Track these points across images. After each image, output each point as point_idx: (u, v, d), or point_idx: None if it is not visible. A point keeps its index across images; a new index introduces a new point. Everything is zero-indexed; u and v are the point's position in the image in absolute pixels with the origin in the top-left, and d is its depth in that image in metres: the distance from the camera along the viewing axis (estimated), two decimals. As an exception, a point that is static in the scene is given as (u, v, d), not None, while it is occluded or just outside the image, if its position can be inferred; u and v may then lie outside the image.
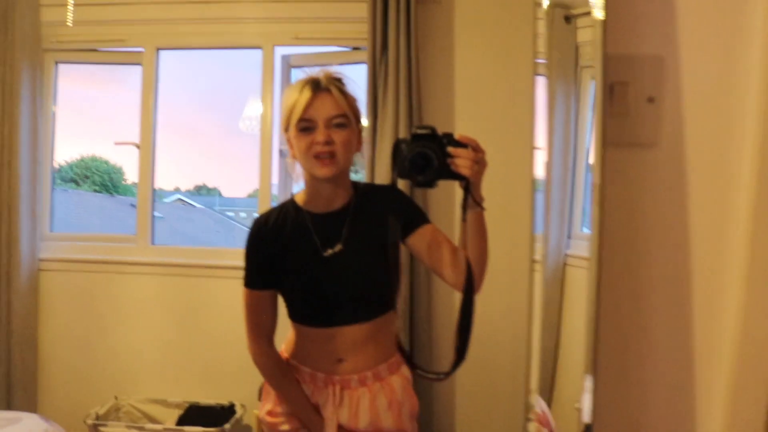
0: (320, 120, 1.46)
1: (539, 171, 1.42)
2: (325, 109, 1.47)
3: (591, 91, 1.16)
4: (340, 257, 1.54)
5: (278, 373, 1.60)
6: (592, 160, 1.03)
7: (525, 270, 1.54)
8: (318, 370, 1.58)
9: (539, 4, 1.32)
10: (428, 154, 1.30)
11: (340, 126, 1.47)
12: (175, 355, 2.97)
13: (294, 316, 1.60)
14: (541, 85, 1.41)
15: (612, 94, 0.99)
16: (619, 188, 1.01)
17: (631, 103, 1.00)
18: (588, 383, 1.03)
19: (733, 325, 1.00)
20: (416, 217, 1.58)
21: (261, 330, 1.59)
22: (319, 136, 1.45)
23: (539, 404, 1.38)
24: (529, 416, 1.38)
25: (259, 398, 1.69)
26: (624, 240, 1.04)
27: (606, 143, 0.97)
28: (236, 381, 2.83)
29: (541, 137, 1.35)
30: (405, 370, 1.64)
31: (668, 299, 1.05)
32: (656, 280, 1.05)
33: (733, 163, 0.99)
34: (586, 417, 1.04)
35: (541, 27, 1.32)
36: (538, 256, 1.44)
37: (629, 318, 1.07)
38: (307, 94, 1.47)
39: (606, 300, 1.02)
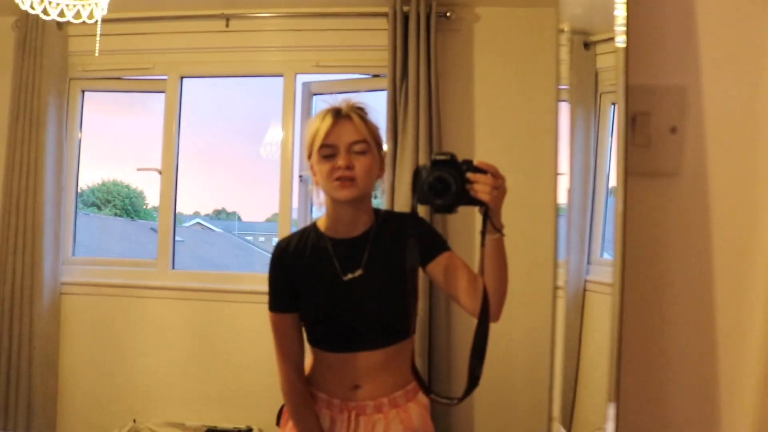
0: (341, 146, 1.49)
1: (561, 197, 1.42)
2: (346, 135, 1.49)
3: (611, 116, 1.17)
4: (359, 282, 1.55)
5: (299, 401, 1.60)
6: (613, 186, 1.03)
7: (547, 295, 1.54)
8: (334, 397, 1.58)
9: (562, 31, 1.33)
10: (447, 179, 1.30)
11: (360, 152, 1.50)
12: (193, 378, 2.98)
13: (312, 340, 1.61)
14: (563, 111, 1.42)
15: (634, 124, 1.00)
16: (641, 216, 1.02)
17: (654, 133, 1.00)
18: (611, 411, 1.03)
19: (758, 353, 1.00)
20: (436, 244, 1.59)
21: (287, 354, 1.60)
22: (341, 161, 1.47)
23: (561, 433, 1.37)
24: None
25: (278, 423, 1.69)
26: (646, 267, 1.04)
27: (628, 172, 0.98)
28: (254, 405, 2.83)
29: (563, 163, 1.36)
30: (422, 397, 1.63)
31: (691, 326, 1.05)
32: (679, 307, 1.05)
33: (757, 192, 1.00)
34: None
35: (563, 53, 1.33)
36: (560, 282, 1.44)
37: (652, 346, 1.07)
38: (328, 121, 1.50)
39: (629, 327, 1.02)
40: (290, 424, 1.62)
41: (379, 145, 1.55)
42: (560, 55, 1.35)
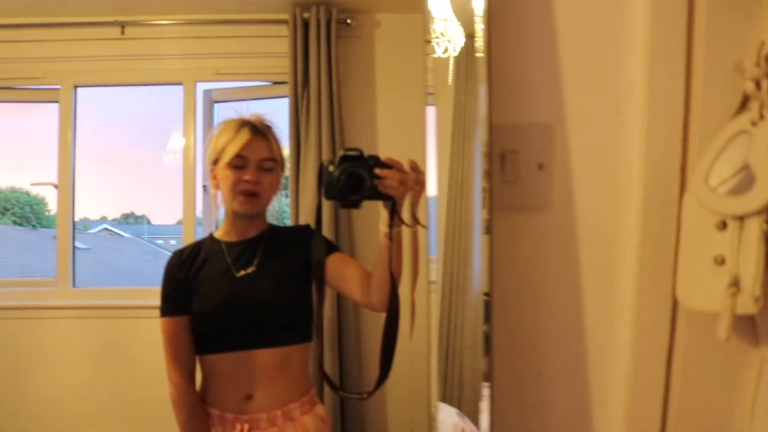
0: (252, 160, 1.58)
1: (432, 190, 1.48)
2: (260, 151, 1.59)
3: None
4: (252, 278, 1.59)
5: (190, 412, 1.60)
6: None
7: (423, 288, 1.57)
8: (226, 411, 1.58)
9: (428, 42, 1.38)
10: (361, 174, 1.35)
11: (268, 170, 1.55)
12: (99, 398, 2.88)
13: (203, 345, 1.61)
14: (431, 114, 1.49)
15: (503, 162, 1.03)
16: (510, 248, 1.06)
17: (522, 170, 1.04)
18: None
19: (625, 373, 1.06)
20: (329, 246, 1.63)
21: (180, 362, 1.60)
22: (248, 175, 1.56)
23: (467, 424, 1.41)
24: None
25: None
26: (515, 296, 1.08)
27: (497, 207, 1.01)
28: (164, 424, 2.77)
29: (432, 165, 1.41)
30: (320, 410, 1.65)
31: (562, 351, 1.10)
32: (550, 330, 1.10)
33: (620, 223, 1.05)
34: None
35: (430, 62, 1.38)
36: (433, 277, 1.50)
37: (524, 380, 1.12)
38: (246, 135, 1.59)
39: (499, 354, 1.07)
40: None
41: (282, 165, 1.61)
42: (427, 64, 1.40)
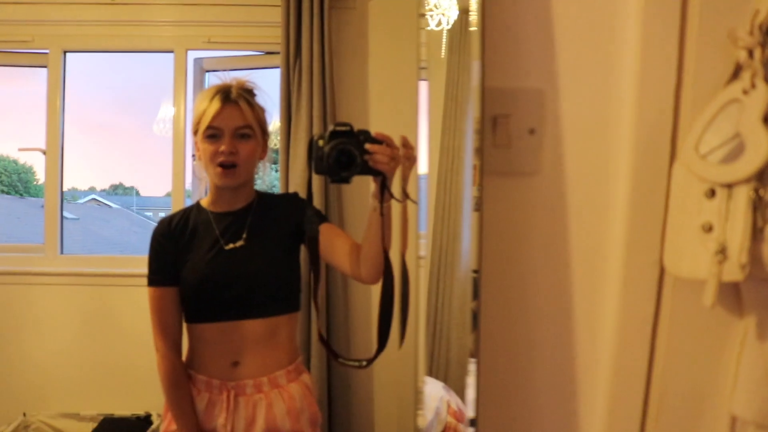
0: (226, 130, 1.54)
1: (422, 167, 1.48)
2: (233, 120, 1.54)
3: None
4: (241, 251, 1.59)
5: (175, 380, 1.60)
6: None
7: (412, 264, 1.58)
8: (213, 377, 1.59)
9: (422, 15, 1.37)
10: (352, 151, 1.34)
11: (245, 137, 1.56)
12: (87, 366, 2.89)
13: (191, 314, 1.61)
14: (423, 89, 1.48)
15: (495, 125, 1.03)
16: (500, 212, 1.06)
17: (513, 134, 1.04)
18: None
19: (611, 335, 1.08)
20: (317, 217, 1.63)
21: (166, 331, 1.60)
22: (224, 146, 1.53)
23: (453, 398, 1.42)
24: (419, 406, 1.43)
25: (165, 417, 1.68)
26: (505, 259, 1.09)
27: (487, 171, 1.01)
28: (152, 391, 2.75)
29: (423, 140, 1.41)
30: (306, 378, 1.66)
31: (550, 313, 1.12)
32: (539, 292, 1.11)
33: (609, 190, 1.06)
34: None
35: (423, 36, 1.37)
36: (422, 252, 1.51)
37: (510, 343, 1.13)
38: (216, 104, 1.55)
39: (487, 330, 1.08)
40: (168, 417, 1.62)
41: (264, 129, 1.59)
42: (420, 38, 1.40)
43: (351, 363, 1.61)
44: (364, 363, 1.53)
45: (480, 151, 1.00)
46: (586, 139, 1.06)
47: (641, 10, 0.98)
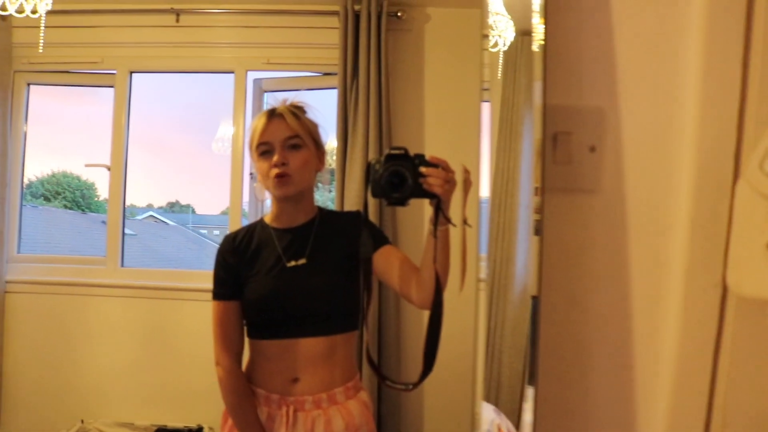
0: (276, 142, 1.58)
1: (484, 190, 1.48)
2: (280, 132, 1.59)
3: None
4: (303, 269, 1.60)
5: (240, 393, 1.61)
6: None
7: (472, 286, 1.58)
8: (272, 392, 1.60)
9: (486, 36, 1.38)
10: (403, 173, 1.37)
11: (294, 147, 1.58)
12: (143, 377, 2.96)
13: (253, 330, 1.63)
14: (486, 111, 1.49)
15: (555, 143, 1.04)
16: (559, 231, 1.06)
17: (574, 152, 1.05)
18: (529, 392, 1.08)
19: (671, 358, 1.05)
20: (378, 238, 1.64)
21: (229, 345, 1.62)
22: (276, 157, 1.56)
23: (503, 421, 1.41)
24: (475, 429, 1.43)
25: (223, 426, 1.70)
26: (563, 280, 1.09)
27: (548, 188, 1.02)
28: (204, 403, 2.82)
29: (485, 162, 1.42)
30: (364, 396, 1.66)
31: (609, 333, 1.10)
32: (595, 317, 1.10)
33: (670, 208, 1.05)
34: None
35: (488, 57, 1.38)
36: (483, 275, 1.51)
37: (569, 359, 1.12)
38: (263, 120, 1.60)
39: (546, 338, 1.07)
40: (230, 422, 1.64)
41: (315, 140, 1.62)
42: (483, 59, 1.40)
43: (398, 386, 1.62)
44: (410, 386, 1.53)
45: (541, 169, 1.00)
46: (647, 157, 1.05)
47: (704, 27, 0.98)
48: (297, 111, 1.62)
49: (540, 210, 1.04)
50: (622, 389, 1.12)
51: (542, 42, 1.02)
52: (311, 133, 1.62)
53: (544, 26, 1.01)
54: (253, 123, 1.62)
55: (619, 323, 1.09)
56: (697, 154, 1.00)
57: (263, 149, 1.58)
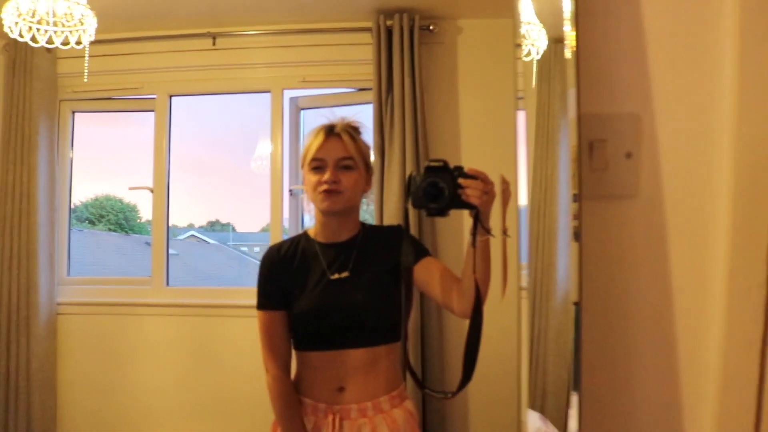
0: (330, 161, 1.60)
1: (522, 199, 1.49)
2: (335, 151, 1.61)
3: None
4: (347, 282, 1.63)
5: (287, 402, 1.64)
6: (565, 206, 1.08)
7: (513, 295, 1.59)
8: (319, 401, 1.63)
9: (518, 45, 1.40)
10: (440, 184, 1.39)
11: (347, 168, 1.61)
12: (190, 393, 3.01)
13: (299, 342, 1.66)
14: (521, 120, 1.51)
15: (591, 150, 1.05)
16: (599, 237, 1.07)
17: (610, 159, 1.06)
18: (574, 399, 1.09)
19: (716, 362, 1.05)
20: (420, 250, 1.66)
21: (276, 353, 1.65)
22: (327, 175, 1.59)
23: (550, 429, 1.41)
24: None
25: (272, 437, 1.73)
26: (604, 286, 1.09)
27: (585, 196, 1.03)
28: (251, 418, 2.86)
29: (522, 172, 1.43)
30: (409, 405, 1.68)
31: (652, 340, 1.10)
32: (638, 322, 1.10)
33: (710, 212, 1.05)
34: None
35: (520, 66, 1.40)
36: (524, 284, 1.52)
37: (611, 370, 1.12)
38: (320, 137, 1.62)
39: (589, 344, 1.08)
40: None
41: (366, 163, 1.65)
42: (517, 68, 1.42)
43: (436, 394, 1.64)
44: (449, 395, 1.54)
45: (578, 176, 1.01)
46: (685, 161, 1.06)
47: (738, 29, 0.98)
48: (353, 132, 1.65)
49: (578, 216, 1.05)
50: (668, 393, 1.12)
51: (574, 49, 1.03)
52: (363, 155, 1.65)
53: (575, 33, 1.03)
54: (309, 137, 1.65)
55: (662, 327, 1.10)
56: (735, 155, 1.00)
57: (316, 165, 1.61)
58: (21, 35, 2.22)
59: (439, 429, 2.73)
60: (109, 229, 5.44)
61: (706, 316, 1.07)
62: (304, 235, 1.71)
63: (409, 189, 1.45)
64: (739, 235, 1.01)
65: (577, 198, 1.04)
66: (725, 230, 1.02)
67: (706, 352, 1.07)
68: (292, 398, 1.64)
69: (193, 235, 6.18)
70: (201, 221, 6.19)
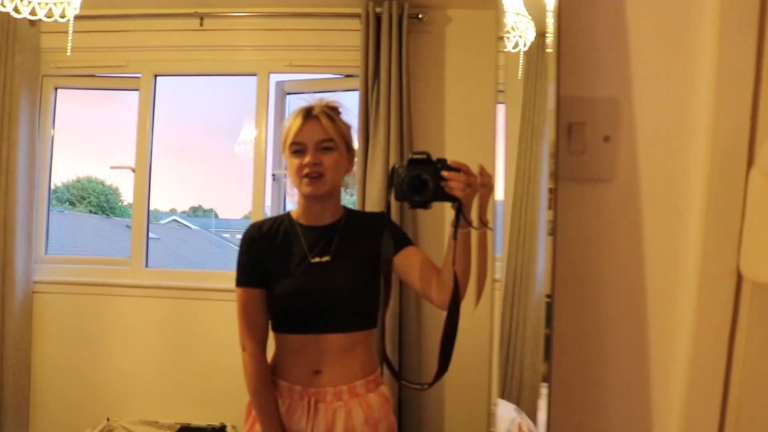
0: (309, 144, 1.62)
1: (499, 194, 1.50)
2: (315, 133, 1.61)
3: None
4: (327, 266, 1.63)
5: (262, 380, 1.64)
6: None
7: (488, 287, 1.59)
8: (295, 383, 1.63)
9: (500, 38, 1.40)
10: (424, 177, 1.40)
11: (327, 149, 1.62)
12: (167, 376, 2.99)
13: (277, 324, 1.66)
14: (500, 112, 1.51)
15: (570, 133, 1.05)
16: (574, 220, 1.07)
17: (588, 142, 1.06)
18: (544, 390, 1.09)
19: (686, 348, 1.06)
20: (402, 239, 1.66)
21: (253, 330, 1.65)
22: (308, 158, 1.60)
23: (524, 420, 1.42)
24: (491, 429, 1.43)
25: (247, 419, 1.72)
26: (579, 267, 1.10)
27: (562, 177, 1.03)
28: (228, 402, 2.85)
29: (500, 163, 1.43)
30: (384, 390, 1.68)
31: (624, 321, 1.11)
32: (610, 307, 1.11)
33: (685, 197, 1.05)
34: None
35: (502, 59, 1.40)
36: (498, 275, 1.52)
37: (585, 348, 1.12)
38: (299, 120, 1.64)
39: (561, 321, 1.08)
40: (253, 415, 1.66)
41: (347, 143, 1.65)
42: (498, 61, 1.42)
43: (413, 385, 1.66)
44: (426, 386, 1.55)
45: (555, 158, 1.01)
46: (661, 146, 1.06)
47: (718, 16, 0.98)
48: (332, 113, 1.65)
49: (554, 203, 1.05)
50: (637, 380, 1.13)
51: (556, 31, 1.03)
52: (344, 136, 1.65)
53: (557, 15, 1.02)
54: (288, 121, 1.65)
55: (633, 313, 1.10)
56: (711, 142, 1.00)
57: (296, 148, 1.62)
58: (3, 5, 2.19)
59: (415, 414, 2.73)
60: (90, 211, 5.38)
61: (677, 302, 1.07)
62: (287, 216, 1.71)
63: (392, 181, 1.45)
64: (712, 222, 1.01)
65: (553, 177, 1.04)
66: (699, 217, 1.03)
67: (677, 338, 1.07)
68: (266, 377, 1.64)
69: (174, 220, 6.13)
70: (183, 206, 6.13)
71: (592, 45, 1.07)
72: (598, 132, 1.06)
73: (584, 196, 1.08)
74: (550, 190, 1.05)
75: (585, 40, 1.07)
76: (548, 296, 1.10)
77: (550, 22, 1.06)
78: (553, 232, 1.06)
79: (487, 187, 1.44)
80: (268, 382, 1.63)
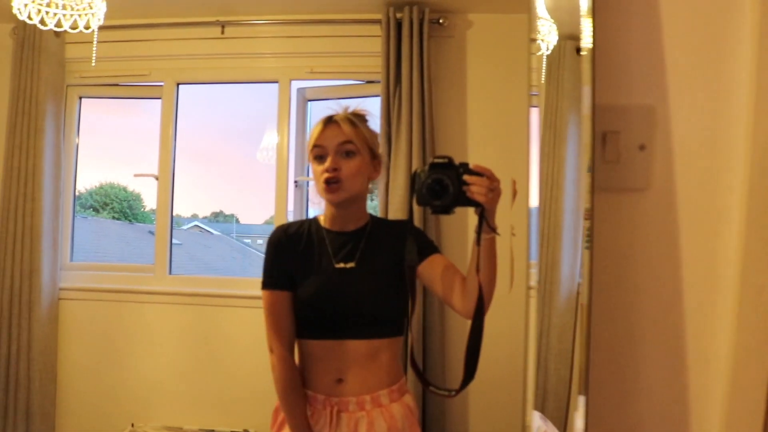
0: (330, 148, 1.59)
1: (533, 200, 1.48)
2: (334, 137, 1.59)
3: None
4: (351, 273, 1.62)
5: (291, 383, 1.63)
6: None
7: (522, 294, 1.58)
8: (317, 392, 1.62)
9: (533, 40, 1.38)
10: (444, 181, 1.38)
11: (348, 154, 1.59)
12: (191, 382, 3.01)
13: (300, 329, 1.65)
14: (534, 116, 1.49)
15: (604, 142, 1.04)
16: (609, 230, 1.06)
17: (623, 151, 1.04)
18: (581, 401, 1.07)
19: (725, 365, 1.04)
20: (427, 246, 1.65)
21: (280, 333, 1.63)
22: (327, 163, 1.57)
23: (549, 428, 1.40)
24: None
25: (273, 425, 1.72)
26: (615, 278, 1.08)
27: (598, 188, 1.02)
28: (251, 408, 2.86)
29: (533, 169, 1.42)
30: (408, 399, 1.67)
31: (661, 333, 1.09)
32: (647, 318, 1.09)
33: (723, 206, 1.04)
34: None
35: (534, 61, 1.38)
36: (533, 283, 1.50)
37: (621, 362, 1.11)
38: (320, 125, 1.62)
39: (597, 332, 1.07)
40: (280, 419, 1.66)
41: (371, 148, 1.63)
42: (531, 64, 1.40)
43: (440, 391, 1.62)
44: (453, 393, 1.53)
45: (591, 168, 1.00)
46: (699, 154, 1.05)
47: (757, 21, 0.97)
48: (355, 119, 1.63)
49: (590, 215, 1.04)
50: (676, 392, 1.11)
51: (591, 40, 1.02)
52: (367, 141, 1.63)
53: (592, 24, 1.01)
54: (312, 127, 1.66)
55: (671, 324, 1.08)
56: (750, 149, 0.98)
57: (317, 152, 1.60)
58: (30, 17, 2.21)
59: (439, 424, 2.72)
60: (113, 218, 5.44)
61: (716, 313, 1.05)
62: (314, 221, 1.70)
63: (413, 186, 1.44)
64: (752, 231, 0.99)
65: (589, 188, 1.03)
66: (738, 226, 1.01)
67: (716, 350, 1.05)
68: (295, 379, 1.63)
69: (196, 226, 6.18)
70: (205, 212, 6.18)
71: (625, 51, 1.06)
72: (633, 141, 1.05)
73: (619, 206, 1.07)
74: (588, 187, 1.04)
75: (618, 47, 1.06)
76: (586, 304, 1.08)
77: (586, 24, 1.04)
78: (589, 242, 1.05)
79: (513, 192, 1.43)
80: (297, 385, 1.62)
